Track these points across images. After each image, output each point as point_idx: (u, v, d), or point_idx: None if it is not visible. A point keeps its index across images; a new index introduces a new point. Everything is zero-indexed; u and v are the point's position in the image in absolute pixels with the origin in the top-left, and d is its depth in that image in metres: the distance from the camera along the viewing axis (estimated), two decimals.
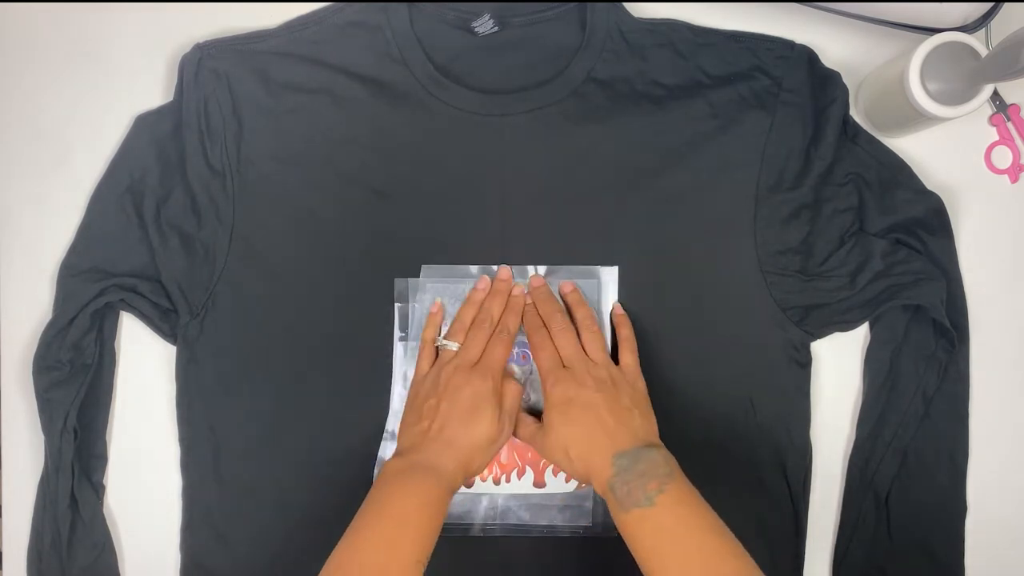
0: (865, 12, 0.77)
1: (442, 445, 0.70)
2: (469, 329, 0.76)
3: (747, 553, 0.64)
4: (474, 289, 0.78)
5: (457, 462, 0.70)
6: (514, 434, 0.75)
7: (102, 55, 0.83)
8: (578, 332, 0.75)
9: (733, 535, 0.65)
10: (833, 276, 0.77)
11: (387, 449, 0.77)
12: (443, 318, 0.78)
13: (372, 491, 0.69)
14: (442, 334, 0.77)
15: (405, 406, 0.75)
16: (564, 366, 0.73)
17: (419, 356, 0.77)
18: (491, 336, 0.75)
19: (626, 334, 0.76)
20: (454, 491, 0.70)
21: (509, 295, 0.77)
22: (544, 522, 0.77)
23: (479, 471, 0.73)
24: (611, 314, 0.77)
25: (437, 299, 0.78)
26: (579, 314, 0.76)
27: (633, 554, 0.65)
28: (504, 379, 0.74)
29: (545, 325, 0.76)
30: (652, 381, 0.77)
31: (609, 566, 0.77)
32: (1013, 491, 0.80)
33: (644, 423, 0.71)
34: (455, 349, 0.75)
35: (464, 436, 0.71)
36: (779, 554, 0.77)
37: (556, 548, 0.77)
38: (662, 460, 0.68)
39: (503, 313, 0.76)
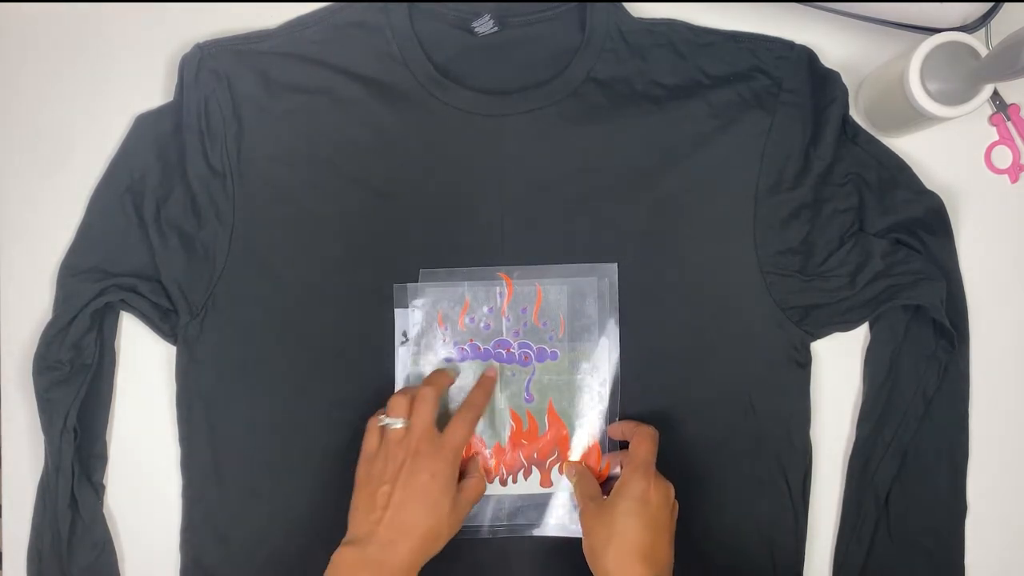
0: (865, 12, 0.78)
1: (396, 535, 0.68)
2: (413, 402, 0.72)
3: None
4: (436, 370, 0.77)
5: (412, 554, 0.67)
6: (575, 489, 0.75)
7: (102, 55, 0.83)
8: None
9: None
10: (833, 276, 0.77)
11: None
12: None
13: None
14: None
15: (355, 488, 0.71)
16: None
17: (366, 434, 0.72)
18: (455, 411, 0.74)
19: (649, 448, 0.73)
20: None
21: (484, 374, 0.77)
22: (552, 522, 0.77)
23: (432, 556, 0.70)
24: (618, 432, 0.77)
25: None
26: None
27: None
28: (468, 470, 0.74)
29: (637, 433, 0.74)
30: (652, 381, 0.77)
31: None
32: (1013, 491, 0.80)
33: (672, 563, 0.70)
34: (402, 427, 0.71)
35: (421, 526, 0.68)
36: (779, 554, 0.77)
37: (562, 548, 0.77)
38: None
39: (472, 390, 0.75)
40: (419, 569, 0.69)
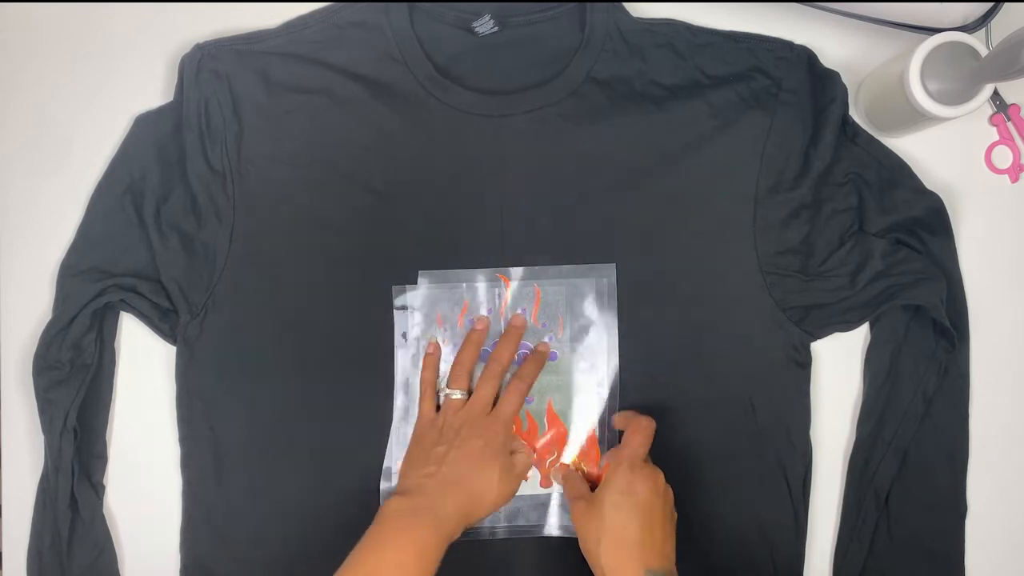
0: (865, 12, 0.77)
1: (447, 489, 0.70)
2: (480, 378, 0.75)
3: None
4: (472, 330, 0.77)
5: (459, 508, 0.70)
6: (565, 491, 0.75)
7: (102, 55, 0.83)
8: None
9: None
10: (833, 276, 0.77)
11: (392, 455, 0.77)
12: (440, 357, 0.78)
13: (371, 530, 0.68)
14: (442, 374, 0.77)
15: (408, 448, 0.75)
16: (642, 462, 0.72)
17: (421, 399, 0.76)
18: (503, 383, 0.75)
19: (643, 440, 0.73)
20: (452, 540, 0.69)
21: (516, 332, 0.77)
22: (552, 522, 0.77)
23: (476, 522, 0.72)
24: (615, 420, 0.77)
25: (433, 338, 0.78)
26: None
27: None
28: (515, 447, 0.75)
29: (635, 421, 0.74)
30: (651, 382, 0.77)
31: None
32: (1013, 491, 0.80)
33: (672, 549, 0.70)
34: (460, 398, 0.75)
35: (471, 482, 0.71)
36: (779, 554, 0.77)
37: (562, 548, 0.77)
38: None
39: (523, 362, 0.76)
40: (463, 528, 0.70)
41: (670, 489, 0.72)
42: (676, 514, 0.73)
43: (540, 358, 0.77)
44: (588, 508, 0.71)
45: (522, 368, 0.76)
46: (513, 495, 0.74)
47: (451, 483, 0.70)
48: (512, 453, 0.74)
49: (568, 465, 0.77)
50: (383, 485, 0.77)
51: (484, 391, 0.74)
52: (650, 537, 0.68)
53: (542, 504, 0.78)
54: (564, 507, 0.77)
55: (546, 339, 0.78)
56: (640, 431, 0.72)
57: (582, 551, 0.71)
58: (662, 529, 0.70)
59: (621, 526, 0.68)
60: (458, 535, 0.70)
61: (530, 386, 0.76)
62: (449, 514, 0.69)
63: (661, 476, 0.71)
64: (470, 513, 0.71)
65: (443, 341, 0.78)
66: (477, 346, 0.77)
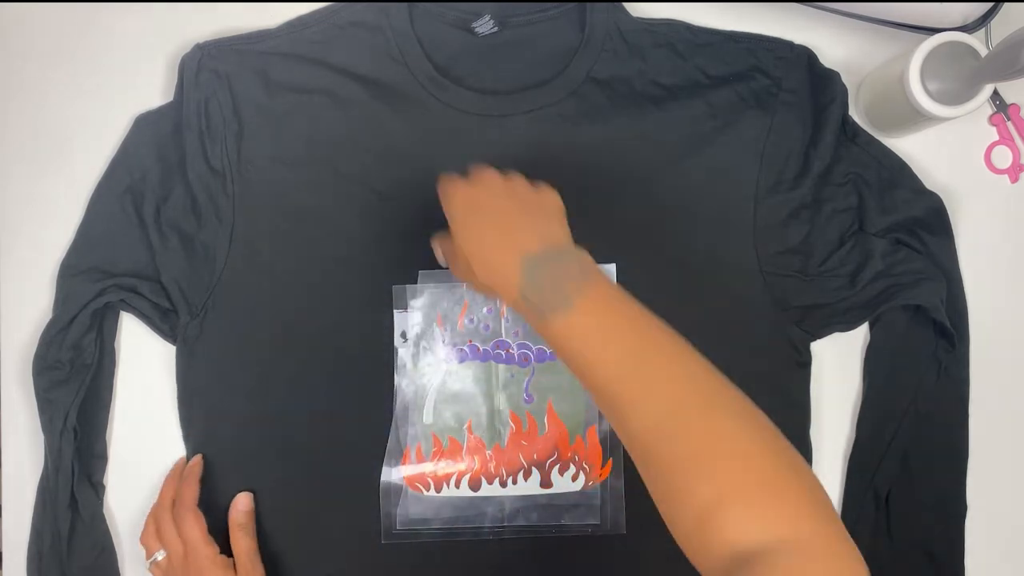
0: (865, 12, 0.77)
1: None
2: (157, 529, 0.75)
3: (686, 343, 0.59)
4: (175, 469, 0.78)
5: None
6: (445, 256, 0.70)
7: (102, 55, 0.83)
8: None
9: (669, 329, 0.60)
10: (833, 276, 0.77)
11: (391, 455, 0.77)
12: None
13: None
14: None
15: None
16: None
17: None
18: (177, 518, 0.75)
19: None
20: None
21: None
22: (553, 522, 0.77)
23: None
24: None
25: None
26: None
27: (563, 362, 0.61)
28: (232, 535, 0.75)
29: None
30: None
31: (617, 564, 0.77)
32: (1013, 491, 0.80)
33: (557, 228, 0.65)
34: (161, 558, 0.74)
35: None
36: None
37: (563, 547, 0.77)
38: (575, 260, 0.62)
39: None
40: None
41: (525, 182, 0.67)
42: (559, 203, 0.67)
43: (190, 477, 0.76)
44: (452, 251, 0.67)
45: (171, 495, 0.76)
46: None
47: None
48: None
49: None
50: (382, 484, 0.77)
51: (168, 539, 0.74)
52: (515, 229, 0.63)
53: (542, 504, 0.78)
54: (566, 507, 0.77)
55: None
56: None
57: (477, 289, 0.67)
58: (524, 217, 0.64)
59: (477, 239, 0.64)
60: None
61: (190, 506, 0.74)
62: None
63: (490, 172, 0.67)
64: None
65: (443, 341, 0.78)
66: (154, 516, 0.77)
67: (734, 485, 0.53)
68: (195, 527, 0.74)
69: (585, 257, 0.63)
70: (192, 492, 0.75)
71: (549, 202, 0.67)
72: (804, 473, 0.54)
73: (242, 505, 0.76)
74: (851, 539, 0.52)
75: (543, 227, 0.64)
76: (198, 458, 0.77)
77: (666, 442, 0.55)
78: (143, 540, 0.76)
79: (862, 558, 0.51)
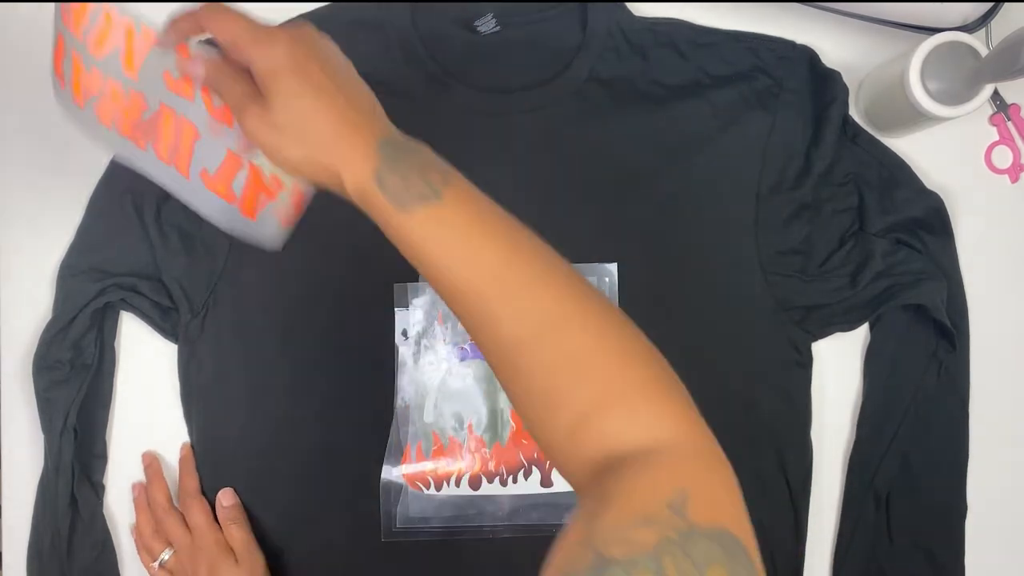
0: (865, 12, 0.78)
1: None
2: (158, 528, 0.77)
3: (547, 247, 0.55)
4: (135, 499, 0.79)
5: None
6: (226, 99, 0.55)
7: None
8: None
9: (538, 237, 0.55)
10: (834, 276, 0.77)
11: (392, 453, 0.77)
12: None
13: None
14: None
15: None
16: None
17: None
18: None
19: None
20: None
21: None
22: (553, 522, 0.77)
23: None
24: None
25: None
26: None
27: (413, 262, 0.54)
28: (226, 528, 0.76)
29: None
30: None
31: None
32: (1013, 491, 0.80)
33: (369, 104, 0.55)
34: (168, 557, 0.76)
35: None
36: (779, 555, 0.77)
37: None
38: (432, 153, 0.55)
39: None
40: None
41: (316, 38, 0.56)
42: (351, 72, 0.57)
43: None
44: (265, 114, 0.53)
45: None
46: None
47: None
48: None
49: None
50: (382, 482, 0.77)
51: (181, 538, 0.76)
52: (360, 108, 0.54)
53: (542, 504, 0.77)
54: (566, 506, 0.77)
55: None
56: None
57: (300, 171, 0.54)
58: (369, 97, 0.56)
59: (318, 107, 0.52)
60: None
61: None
62: None
63: (327, 44, 0.56)
64: None
65: (444, 339, 0.78)
66: (145, 509, 0.78)
67: (614, 388, 0.51)
68: (202, 513, 0.74)
69: (437, 155, 0.55)
70: (194, 480, 0.76)
71: (344, 65, 0.57)
72: (675, 378, 0.54)
73: (226, 501, 0.77)
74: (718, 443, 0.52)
75: (382, 112, 0.56)
76: (187, 447, 0.78)
77: (542, 348, 0.51)
78: (142, 547, 0.76)
79: (729, 463, 0.51)
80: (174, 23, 0.55)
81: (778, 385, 0.78)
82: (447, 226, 0.53)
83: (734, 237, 0.77)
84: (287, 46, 0.53)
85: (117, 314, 0.81)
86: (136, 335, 0.81)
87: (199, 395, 0.78)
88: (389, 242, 0.77)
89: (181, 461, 0.78)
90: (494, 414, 0.78)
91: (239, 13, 0.54)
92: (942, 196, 0.78)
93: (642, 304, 0.78)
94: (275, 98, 0.53)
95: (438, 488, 0.77)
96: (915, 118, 0.76)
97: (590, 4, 0.79)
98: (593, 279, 0.78)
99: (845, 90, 0.78)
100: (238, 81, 0.54)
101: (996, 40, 0.75)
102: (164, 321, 0.78)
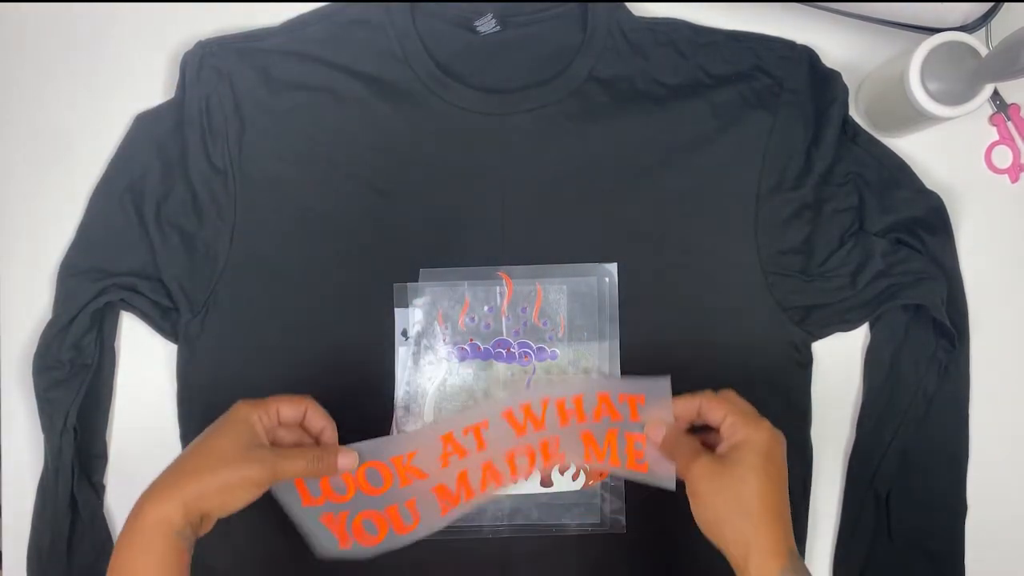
0: (865, 12, 0.78)
1: None
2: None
3: None
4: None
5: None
6: (675, 454, 0.65)
7: (102, 54, 0.83)
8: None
9: None
10: (834, 276, 0.77)
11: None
12: None
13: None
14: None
15: None
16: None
17: None
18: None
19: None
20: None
21: None
22: (553, 521, 0.77)
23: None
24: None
25: None
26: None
27: None
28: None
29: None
30: None
31: (616, 563, 0.77)
32: (1013, 491, 0.80)
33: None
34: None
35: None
36: None
37: (563, 546, 0.77)
38: None
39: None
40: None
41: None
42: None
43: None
44: (716, 467, 0.61)
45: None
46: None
47: None
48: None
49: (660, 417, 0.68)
50: None
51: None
52: (787, 512, 0.60)
53: (542, 503, 0.77)
54: (566, 506, 0.77)
55: (547, 338, 0.78)
56: (727, 399, 0.65)
57: (698, 519, 0.61)
58: (787, 506, 0.61)
59: (763, 494, 0.59)
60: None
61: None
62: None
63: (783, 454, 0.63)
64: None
65: (444, 339, 0.78)
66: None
67: None
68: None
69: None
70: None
71: None
72: None
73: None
74: None
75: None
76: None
77: None
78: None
79: None
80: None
81: (778, 385, 0.78)
82: None
83: (734, 237, 0.77)
84: (765, 434, 0.62)
85: (117, 314, 0.81)
86: (136, 335, 0.81)
87: (198, 395, 0.78)
88: (389, 242, 0.78)
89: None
90: None
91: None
92: (942, 196, 0.78)
93: (641, 304, 0.78)
94: (737, 467, 0.60)
95: None
96: (915, 118, 0.76)
97: (590, 4, 0.79)
98: (593, 279, 0.78)
99: (845, 90, 0.78)
100: (691, 439, 0.65)
101: (996, 40, 0.75)
102: (164, 321, 0.78)
